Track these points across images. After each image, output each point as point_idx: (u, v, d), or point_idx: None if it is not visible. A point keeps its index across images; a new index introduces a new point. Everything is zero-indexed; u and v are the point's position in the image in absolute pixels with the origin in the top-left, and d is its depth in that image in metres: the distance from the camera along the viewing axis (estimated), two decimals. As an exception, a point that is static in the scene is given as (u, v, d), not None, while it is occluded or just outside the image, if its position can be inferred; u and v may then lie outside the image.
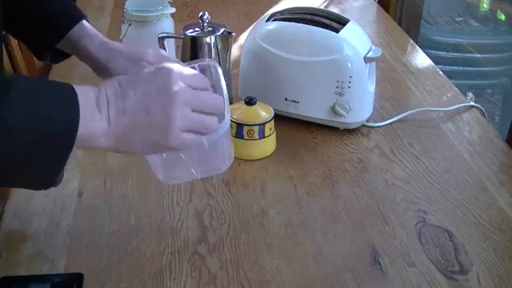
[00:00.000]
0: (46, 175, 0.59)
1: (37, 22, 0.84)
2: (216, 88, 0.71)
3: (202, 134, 0.65)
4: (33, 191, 0.87)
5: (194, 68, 0.73)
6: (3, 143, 0.55)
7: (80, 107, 0.57)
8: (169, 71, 0.62)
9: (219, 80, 0.73)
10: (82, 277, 0.71)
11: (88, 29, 0.84)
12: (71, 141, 0.57)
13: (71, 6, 0.87)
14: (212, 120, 0.65)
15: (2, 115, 0.54)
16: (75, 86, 0.60)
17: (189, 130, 0.63)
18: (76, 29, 0.83)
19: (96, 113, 0.59)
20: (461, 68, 2.42)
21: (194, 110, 0.63)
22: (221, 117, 0.69)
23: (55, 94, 0.58)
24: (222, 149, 0.73)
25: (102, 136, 0.60)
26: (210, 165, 0.75)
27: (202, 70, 0.76)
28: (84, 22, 0.85)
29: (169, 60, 0.79)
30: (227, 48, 1.04)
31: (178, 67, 0.64)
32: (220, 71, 0.74)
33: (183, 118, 0.61)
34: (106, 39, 0.84)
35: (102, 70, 0.83)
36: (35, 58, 0.92)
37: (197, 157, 0.72)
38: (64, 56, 0.88)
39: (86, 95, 0.59)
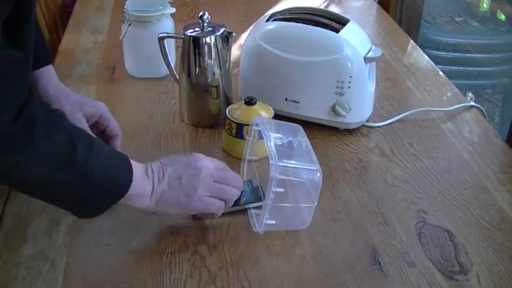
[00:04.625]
0: (91, 211, 0.74)
1: None
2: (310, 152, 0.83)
3: (224, 200, 0.81)
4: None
5: (282, 144, 0.85)
6: (77, 183, 0.69)
7: (133, 172, 0.74)
8: (198, 156, 0.81)
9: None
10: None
11: (53, 74, 0.95)
12: (120, 195, 0.73)
13: (45, 47, 0.96)
14: (231, 189, 0.81)
15: (88, 166, 0.69)
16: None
17: (212, 196, 0.79)
18: (44, 69, 0.93)
19: (145, 179, 0.76)
20: (461, 68, 2.42)
21: (216, 182, 0.79)
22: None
23: (116, 158, 0.74)
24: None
25: (147, 197, 0.76)
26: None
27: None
28: (51, 66, 0.95)
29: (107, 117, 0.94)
30: (227, 48, 1.04)
31: (205, 157, 0.82)
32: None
33: (205, 187, 0.78)
34: (62, 87, 0.95)
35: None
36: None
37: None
38: None
39: (136, 166, 0.75)
